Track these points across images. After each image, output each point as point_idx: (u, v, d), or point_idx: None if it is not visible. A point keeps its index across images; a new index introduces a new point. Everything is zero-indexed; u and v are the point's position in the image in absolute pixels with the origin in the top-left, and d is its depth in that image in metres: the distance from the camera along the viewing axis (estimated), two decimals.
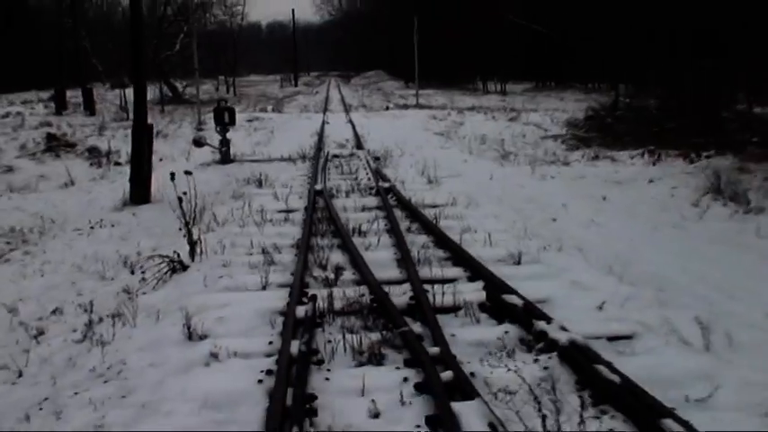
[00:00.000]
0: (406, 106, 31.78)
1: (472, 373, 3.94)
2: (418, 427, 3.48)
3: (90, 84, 36.34)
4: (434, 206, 8.85)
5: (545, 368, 3.96)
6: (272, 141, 18.00)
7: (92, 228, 9.35)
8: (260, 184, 10.94)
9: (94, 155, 18.66)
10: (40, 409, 3.97)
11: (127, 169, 16.70)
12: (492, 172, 12.04)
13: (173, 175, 6.84)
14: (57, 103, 31.84)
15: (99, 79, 45.84)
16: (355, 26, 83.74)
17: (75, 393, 4.08)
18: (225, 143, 14.06)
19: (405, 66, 47.69)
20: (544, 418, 3.27)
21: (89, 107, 31.57)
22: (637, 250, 6.69)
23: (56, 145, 19.55)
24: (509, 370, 3.84)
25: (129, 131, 22.03)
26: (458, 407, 3.43)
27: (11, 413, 3.90)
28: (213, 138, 15.19)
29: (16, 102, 41.03)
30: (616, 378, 3.75)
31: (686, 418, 3.25)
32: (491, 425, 3.28)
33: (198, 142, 13.49)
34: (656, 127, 17.42)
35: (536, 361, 4.03)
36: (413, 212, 8.35)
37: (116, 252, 7.52)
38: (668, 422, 3.26)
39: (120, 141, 20.27)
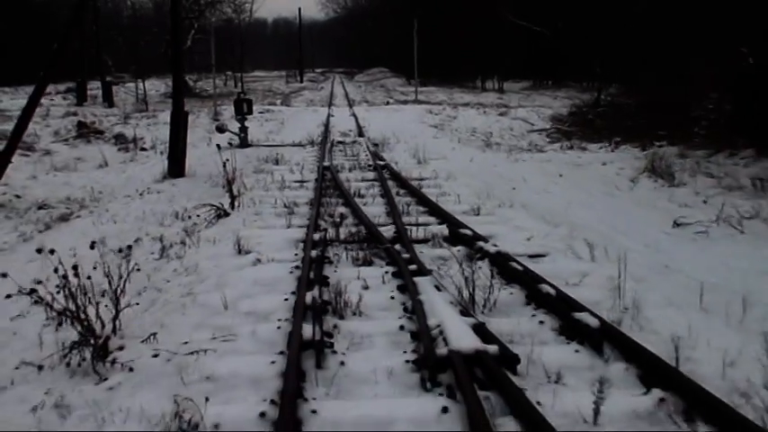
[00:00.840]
0: (405, 102, 33.86)
1: (430, 270, 6.04)
2: (392, 291, 5.59)
3: (99, 77, 38.59)
4: (420, 179, 10.97)
5: (479, 267, 6.06)
6: (283, 130, 20.12)
7: (140, 194, 11.46)
8: (276, 162, 13.06)
9: (121, 141, 20.71)
10: (145, 288, 6.05)
11: (152, 153, 18.88)
12: (473, 156, 14.15)
13: (219, 146, 8.94)
14: (78, 94, 33.95)
15: (109, 73, 47.67)
16: (359, 24, 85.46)
17: (167, 281, 6.19)
18: (243, 130, 16.17)
19: (407, 63, 49.46)
20: (473, 287, 5.37)
21: (108, 99, 33.66)
22: (569, 208, 8.78)
23: (86, 132, 21.67)
24: (429, 240, 5.97)
25: (151, 121, 24.28)
26: (417, 279, 5.54)
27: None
28: (231, 126, 17.29)
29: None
30: (520, 268, 5.87)
31: (562, 290, 5.33)
32: (436, 287, 5.40)
33: (220, 129, 15.57)
34: (630, 122, 19.47)
35: (474, 262, 6.13)
36: (402, 183, 10.48)
37: (168, 208, 9.63)
38: (545, 286, 5.37)
39: (144, 129, 22.45)
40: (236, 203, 8.90)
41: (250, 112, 16.50)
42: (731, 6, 15.28)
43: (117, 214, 9.70)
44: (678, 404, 3.64)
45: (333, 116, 24.13)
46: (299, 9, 79.08)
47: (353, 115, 24.15)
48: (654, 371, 4.01)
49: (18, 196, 13.09)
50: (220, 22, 56.87)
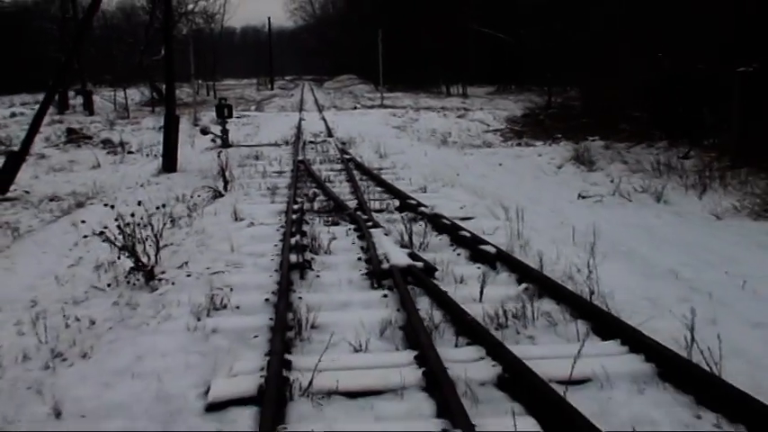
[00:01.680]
0: (372, 106, 35.96)
1: (382, 226, 8.07)
2: (353, 240, 7.61)
3: (72, 87, 40.25)
4: (380, 168, 13.03)
5: (420, 225, 8.10)
6: (259, 133, 22.07)
7: (141, 186, 13.33)
8: (257, 158, 15.04)
9: (109, 145, 22.43)
10: (165, 246, 7.98)
11: (138, 156, 20.66)
12: (428, 151, 16.25)
13: (213, 140, 10.87)
14: (59, 103, 35.53)
15: (82, 83, 49.00)
16: (328, 32, 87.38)
17: (183, 239, 8.15)
18: (225, 132, 18.10)
19: (374, 70, 51.46)
20: (411, 234, 7.40)
21: (88, 107, 35.34)
22: (500, 187, 10.87)
23: (75, 137, 23.41)
24: (385, 209, 8.02)
25: (134, 127, 26.04)
26: (372, 230, 7.59)
27: None
28: (212, 130, 19.19)
29: (16, 103, 44.74)
30: (449, 224, 7.94)
31: (476, 235, 7.36)
32: (385, 234, 7.44)
33: (204, 131, 17.50)
34: (574, 122, 21.70)
35: (416, 221, 8.17)
36: (365, 171, 12.53)
37: (169, 194, 11.54)
38: (464, 233, 7.43)
39: (128, 135, 24.22)
40: (229, 187, 10.87)
41: (230, 115, 18.43)
42: (654, 21, 17.53)
43: (126, 200, 11.57)
44: (534, 290, 5.70)
45: (304, 120, 26.13)
46: (269, 18, 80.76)
47: (323, 119, 26.18)
48: (525, 275, 6.08)
49: (27, 192, 14.82)
50: (192, 32, 58.49)
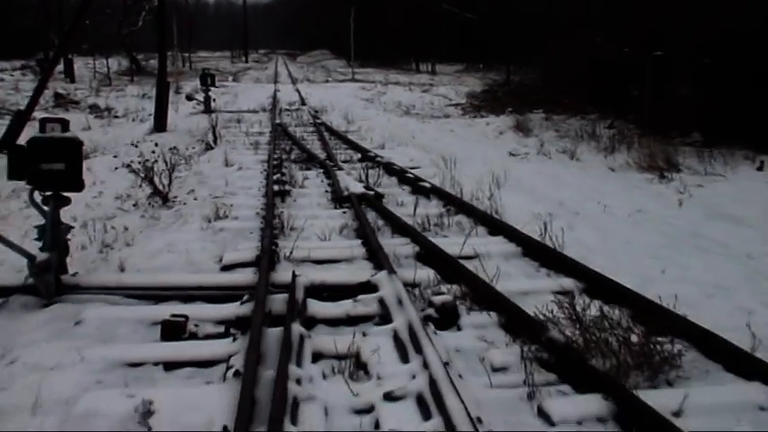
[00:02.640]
0: (343, 80, 37.83)
1: (346, 170, 10.14)
2: (322, 179, 9.69)
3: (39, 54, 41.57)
4: (347, 131, 15.08)
5: (376, 170, 10.18)
6: (238, 101, 23.93)
7: (137, 144, 15.18)
8: (238, 122, 16.98)
9: (96, 110, 24.06)
10: (171, 182, 9.98)
11: (124, 120, 22.36)
12: (391, 119, 18.32)
13: (189, 97, 12.80)
14: (42, 70, 36.84)
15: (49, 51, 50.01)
16: (302, 7, 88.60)
17: (186, 178, 10.15)
18: (208, 98, 19.97)
19: (347, 46, 53.22)
20: (367, 175, 9.49)
21: (70, 75, 36.68)
22: (447, 147, 12.97)
23: (63, 102, 25.01)
24: (349, 160, 10.11)
25: (119, 93, 27.65)
26: (336, 172, 9.67)
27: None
28: (196, 97, 21.06)
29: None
30: (398, 169, 10.05)
31: (419, 176, 9.46)
32: (347, 174, 9.53)
33: (189, 97, 19.39)
34: (526, 98, 23.81)
35: (374, 169, 10.25)
36: (334, 132, 14.58)
37: (164, 149, 13.46)
38: (408, 175, 9.55)
39: (113, 101, 25.88)
40: (218, 142, 12.86)
41: (213, 84, 20.30)
42: (593, 8, 19.67)
43: (128, 152, 13.48)
44: (453, 210, 7.83)
45: (279, 91, 28.00)
46: None
47: (297, 90, 28.09)
48: (449, 201, 8.22)
49: None
50: (171, 3, 59.52)
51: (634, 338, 4.13)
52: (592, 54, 18.85)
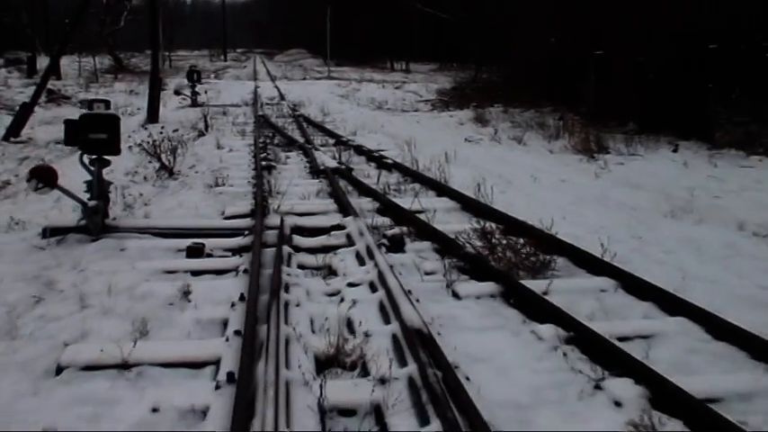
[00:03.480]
0: (320, 78, 39.48)
1: (322, 151, 11.85)
2: (301, 158, 11.40)
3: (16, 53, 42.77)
4: (323, 122, 16.79)
5: (347, 152, 11.90)
6: (221, 96, 25.50)
7: (132, 132, 16.77)
8: (224, 114, 18.61)
9: (86, 105, 25.52)
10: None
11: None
12: (364, 112, 20.05)
13: (177, 92, 14.43)
14: (29, 68, 38.11)
15: (35, 49, 51.08)
16: (279, 6, 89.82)
17: (184, 157, 11.80)
18: (194, 93, 21.56)
19: (324, 45, 54.69)
20: (340, 155, 11.21)
21: (56, 72, 37.90)
22: (411, 134, 14.65)
23: (55, 97, 26.40)
24: (325, 144, 11.84)
25: (108, 89, 29.07)
26: (314, 152, 11.39)
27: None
28: (183, 92, 22.61)
29: None
30: (366, 150, 11.80)
31: (383, 155, 11.19)
32: (322, 153, 11.26)
33: (177, 92, 20.95)
34: (492, 94, 25.61)
35: (346, 151, 11.96)
36: (311, 123, 16.29)
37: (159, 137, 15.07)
38: (375, 154, 11.29)
39: (102, 96, 27.28)
40: (208, 129, 14.51)
41: (199, 80, 21.90)
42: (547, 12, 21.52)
43: (125, 140, 15.07)
44: (410, 179, 9.58)
45: (259, 87, 29.60)
46: None
47: (276, 87, 29.73)
48: (408, 173, 9.97)
49: (31, 138, 18.03)
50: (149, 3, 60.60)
51: (525, 254, 5.89)
52: (547, 54, 20.72)
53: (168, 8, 63.68)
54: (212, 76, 39.72)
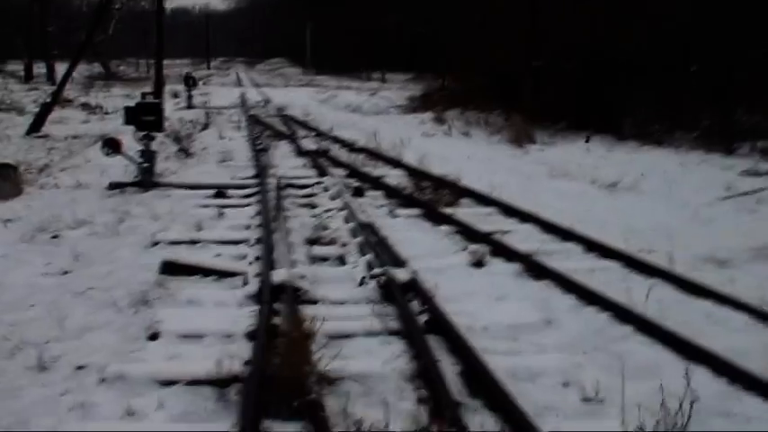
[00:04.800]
0: (301, 85, 42.46)
1: (305, 140, 14.84)
2: (289, 144, 14.38)
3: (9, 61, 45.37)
4: (305, 120, 19.77)
5: (326, 141, 14.88)
6: (212, 100, 28.38)
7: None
8: (219, 114, 21.53)
9: (87, 108, 28.15)
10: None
11: (114, 116, 26.46)
12: (340, 114, 23.05)
13: (175, 95, 17.34)
14: (25, 74, 40.73)
15: (20, 57, 53.42)
16: (260, 16, 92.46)
17: (195, 144, 14.73)
18: (190, 96, 24.44)
19: (304, 55, 57.82)
20: (316, 143, 14.20)
21: (51, 78, 40.52)
22: (378, 130, 17.66)
23: (48, 102, 29.04)
24: (307, 136, 14.86)
25: (106, 93, 31.80)
26: (300, 141, 14.37)
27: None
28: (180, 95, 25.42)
29: None
30: (342, 140, 14.81)
31: (355, 144, 14.17)
32: (305, 142, 14.25)
33: (175, 95, 23.81)
34: (455, 99, 28.69)
35: (325, 141, 14.94)
36: (295, 121, 19.27)
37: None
38: (347, 142, 14.30)
39: (102, 100, 30.03)
40: (209, 125, 17.43)
41: (195, 85, 24.79)
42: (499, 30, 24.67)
43: None
44: (374, 157, 12.58)
45: (245, 93, 32.53)
46: (207, 4, 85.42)
47: (261, 92, 32.66)
48: (372, 154, 12.98)
49: (48, 135, 20.76)
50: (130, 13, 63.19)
51: (444, 195, 8.91)
52: (497, 65, 23.87)
53: (153, 18, 66.41)
54: (201, 83, 42.50)
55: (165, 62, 74.17)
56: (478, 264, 6.24)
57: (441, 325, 4.57)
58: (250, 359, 3.96)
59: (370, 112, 25.09)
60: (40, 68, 43.01)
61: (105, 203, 8.98)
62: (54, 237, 7.43)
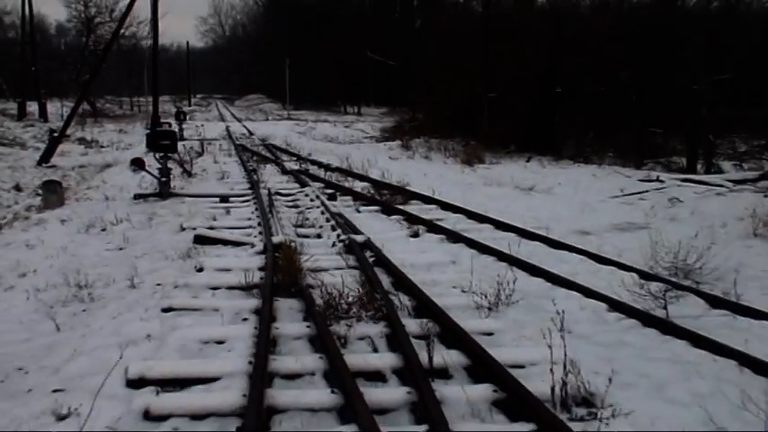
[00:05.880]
0: (280, 119, 45.22)
1: (288, 163, 17.50)
2: (275, 167, 17.05)
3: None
4: (287, 148, 22.45)
5: (305, 164, 17.55)
6: (200, 133, 31.00)
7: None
8: (210, 143, 24.15)
9: (84, 142, 30.56)
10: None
11: (110, 149, 28.96)
12: (318, 143, 25.77)
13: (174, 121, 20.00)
14: (19, 111, 43.07)
15: (3, 96, 55.68)
16: (237, 53, 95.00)
17: (195, 168, 17.35)
18: (181, 129, 27.03)
19: (282, 90, 60.17)
20: (300, 165, 16.87)
21: (43, 115, 42.93)
22: (350, 156, 20.35)
23: (56, 135, 31.51)
24: (289, 160, 17.56)
25: (99, 129, 34.30)
26: (284, 162, 17.05)
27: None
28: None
29: None
30: (318, 162, 17.51)
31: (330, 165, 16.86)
32: (288, 163, 16.93)
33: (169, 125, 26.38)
34: (422, 129, 31.55)
35: (304, 163, 17.61)
36: (278, 148, 21.96)
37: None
38: (324, 163, 17.01)
39: (97, 135, 32.50)
40: (204, 152, 20.05)
41: (185, 119, 27.41)
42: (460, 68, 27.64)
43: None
44: (346, 174, 15.27)
45: (229, 126, 35.21)
46: (187, 43, 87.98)
47: (244, 126, 35.39)
48: (344, 172, 15.67)
49: (56, 165, 23.21)
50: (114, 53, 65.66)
51: (398, 197, 11.59)
52: (458, 97, 26.79)
53: (138, 57, 69.11)
54: (187, 118, 45.07)
55: (147, 99, 76.09)
56: (415, 235, 8.93)
57: (383, 263, 7.21)
58: (263, 277, 6.57)
59: (345, 142, 27.83)
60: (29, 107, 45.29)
61: (134, 208, 11.55)
62: (102, 230, 10.01)
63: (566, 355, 4.17)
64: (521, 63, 21.88)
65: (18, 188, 15.97)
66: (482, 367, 4.51)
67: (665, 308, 5.69)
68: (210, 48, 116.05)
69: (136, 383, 4.34)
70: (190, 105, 74.98)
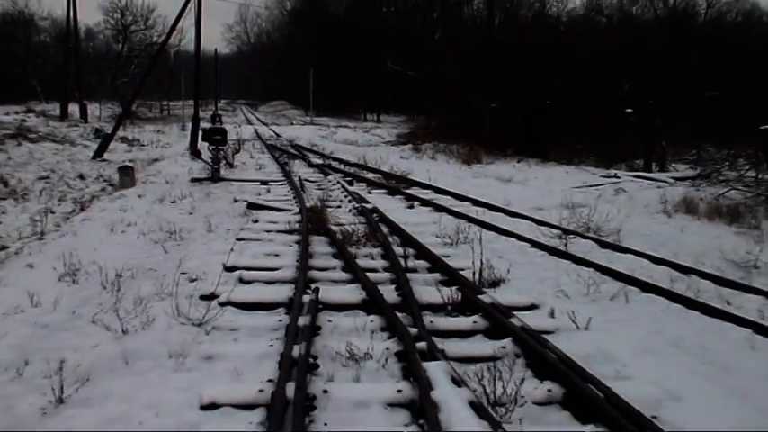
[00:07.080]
0: (304, 124, 48.43)
1: (313, 159, 20.56)
2: (302, 161, 20.12)
3: (29, 102, 51.01)
4: (312, 148, 25.52)
5: (328, 160, 20.60)
6: (239, 134, 34.19)
7: (181, 155, 25.26)
8: (243, 143, 27.29)
9: (126, 141, 33.76)
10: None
11: (149, 147, 32.16)
12: (339, 145, 28.84)
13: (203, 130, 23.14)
14: (61, 113, 46.50)
15: (37, 98, 59.02)
16: (262, 60, 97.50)
17: (235, 161, 20.45)
18: None
19: (305, 98, 62.90)
20: (324, 161, 19.92)
21: (84, 116, 46.34)
22: (367, 155, 23.37)
23: (100, 135, 34.80)
24: (314, 157, 20.61)
25: (139, 129, 37.65)
26: (310, 159, 20.12)
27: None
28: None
29: (10, 113, 54.83)
30: (339, 159, 20.57)
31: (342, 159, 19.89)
32: (313, 159, 20.01)
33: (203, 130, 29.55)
34: (434, 135, 34.56)
35: (327, 160, 20.65)
36: (303, 148, 25.06)
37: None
38: (343, 161, 20.05)
39: (137, 134, 35.78)
40: (241, 149, 23.16)
41: (221, 122, 30.56)
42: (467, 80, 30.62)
43: (179, 161, 23.60)
44: (358, 168, 18.32)
45: (257, 129, 38.42)
46: (215, 50, 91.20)
47: (271, 129, 38.59)
48: (360, 166, 18.71)
49: (106, 159, 26.37)
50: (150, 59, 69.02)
51: (402, 183, 14.61)
52: (465, 107, 29.82)
53: (168, 63, 72.63)
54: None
55: (176, 103, 79.46)
56: (411, 207, 11.96)
57: (385, 221, 10.22)
58: (300, 225, 9.60)
59: (363, 144, 30.87)
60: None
61: (193, 188, 14.64)
62: (172, 202, 13.08)
63: (482, 262, 7.14)
64: (518, 78, 24.85)
65: (81, 177, 19.12)
66: (437, 267, 7.49)
67: (566, 246, 8.65)
68: (235, 54, 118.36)
69: (230, 269, 7.36)
70: (217, 110, 78.34)
